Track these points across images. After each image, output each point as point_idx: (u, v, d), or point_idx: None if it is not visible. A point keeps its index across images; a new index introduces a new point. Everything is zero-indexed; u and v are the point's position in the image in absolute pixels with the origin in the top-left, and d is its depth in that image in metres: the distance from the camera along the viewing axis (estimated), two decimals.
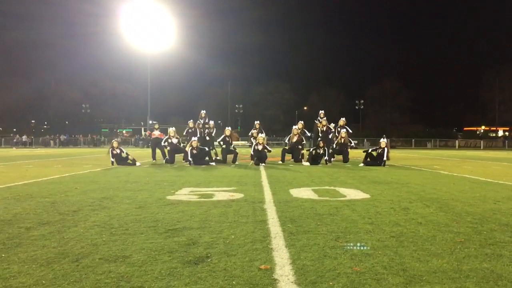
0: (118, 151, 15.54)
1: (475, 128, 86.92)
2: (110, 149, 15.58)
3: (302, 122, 18.46)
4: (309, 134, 18.87)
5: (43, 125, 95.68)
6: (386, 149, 15.71)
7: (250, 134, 17.58)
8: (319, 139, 17.01)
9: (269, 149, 16.39)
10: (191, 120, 17.84)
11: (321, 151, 16.24)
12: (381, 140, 16.06)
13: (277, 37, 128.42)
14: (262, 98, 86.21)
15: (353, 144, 17.55)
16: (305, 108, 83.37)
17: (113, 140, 16.71)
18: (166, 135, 16.89)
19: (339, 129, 17.87)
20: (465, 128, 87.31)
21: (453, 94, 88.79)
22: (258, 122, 18.30)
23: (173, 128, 17.02)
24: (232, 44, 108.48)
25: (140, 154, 28.69)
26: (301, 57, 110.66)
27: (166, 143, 16.67)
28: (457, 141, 66.28)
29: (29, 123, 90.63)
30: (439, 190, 7.97)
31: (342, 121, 18.20)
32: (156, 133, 17.97)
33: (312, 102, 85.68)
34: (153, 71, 59.25)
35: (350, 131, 18.29)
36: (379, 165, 15.24)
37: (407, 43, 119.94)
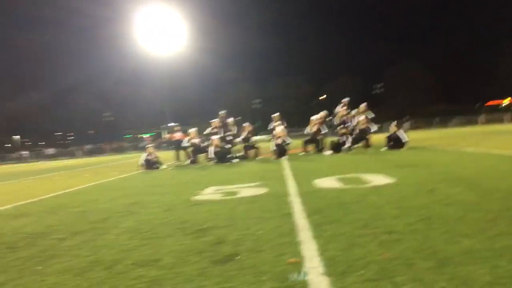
0: (152, 156, 15.68)
1: (498, 102, 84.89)
2: (146, 155, 15.70)
3: (326, 111, 18.38)
4: (331, 123, 18.72)
5: (68, 136, 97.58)
6: (400, 131, 15.63)
7: (271, 127, 17.51)
8: (340, 126, 16.91)
9: (288, 142, 16.36)
10: (215, 120, 17.81)
11: (343, 139, 16.16)
12: (391, 125, 16.11)
13: (290, 32, 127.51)
14: (279, 91, 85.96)
15: (372, 129, 17.30)
16: (322, 97, 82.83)
17: (149, 146, 16.87)
18: (188, 136, 17.03)
19: (357, 116, 17.67)
20: (488, 103, 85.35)
21: (474, 69, 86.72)
22: (277, 114, 18.23)
23: (195, 129, 17.13)
24: (246, 42, 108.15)
25: (164, 156, 29.03)
26: (316, 45, 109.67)
27: (188, 144, 16.80)
28: (480, 117, 64.91)
29: (54, 135, 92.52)
30: (465, 168, 7.83)
31: (362, 107, 18.02)
32: (178, 135, 18.13)
33: (329, 91, 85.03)
34: (170, 75, 59.76)
35: (373, 115, 18.09)
36: (401, 147, 15.11)
37: (423, 20, 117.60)
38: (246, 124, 17.68)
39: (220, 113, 18.08)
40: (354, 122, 17.23)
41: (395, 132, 15.68)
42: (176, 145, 18.34)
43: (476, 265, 2.81)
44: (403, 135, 15.62)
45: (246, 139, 17.05)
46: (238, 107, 77.79)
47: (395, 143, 15.53)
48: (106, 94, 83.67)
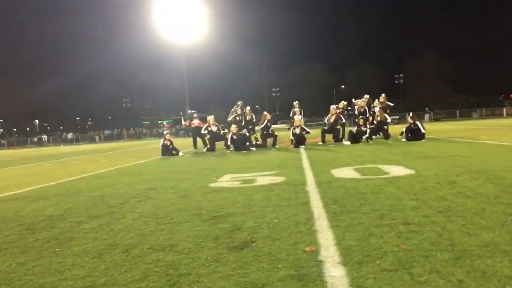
0: (169, 142, 15.86)
1: None
2: (163, 140, 15.93)
3: (345, 102, 18.24)
4: (351, 113, 18.59)
5: (87, 122, 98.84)
6: (417, 123, 15.45)
7: (291, 114, 17.47)
8: (360, 117, 16.76)
9: (308, 130, 16.28)
10: (237, 108, 17.72)
11: (363, 129, 16.04)
12: (407, 117, 16.08)
13: (310, 17, 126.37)
14: (298, 79, 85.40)
15: (389, 120, 17.11)
16: (342, 86, 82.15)
17: (166, 132, 17.05)
18: (206, 124, 17.06)
19: (374, 108, 17.51)
20: None
21: (497, 60, 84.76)
22: (296, 102, 18.14)
23: (212, 116, 17.15)
24: (265, 29, 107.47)
25: (182, 143, 29.19)
26: (336, 35, 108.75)
27: (206, 131, 16.84)
28: (504, 109, 63.56)
29: (74, 120, 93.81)
30: (487, 161, 7.69)
31: (382, 97, 17.83)
32: (196, 122, 18.15)
33: (349, 80, 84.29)
34: (189, 61, 59.83)
35: (391, 105, 17.92)
36: (420, 139, 14.92)
37: (444, 11, 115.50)
38: (265, 113, 17.66)
39: (238, 103, 18.00)
40: (376, 112, 17.04)
41: (411, 124, 15.49)
42: (194, 132, 18.39)
43: (495, 258, 2.75)
44: (421, 126, 15.42)
45: (265, 128, 17.03)
46: (257, 94, 77.69)
47: (412, 134, 15.34)
48: (125, 81, 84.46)
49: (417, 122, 15.54)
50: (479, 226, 3.52)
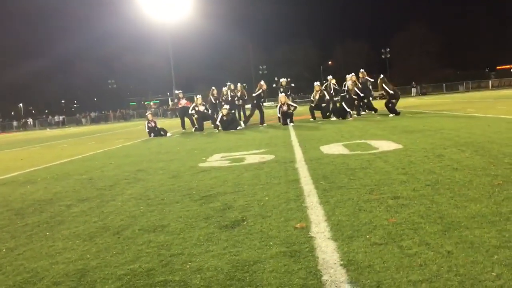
0: (153, 123, 15.80)
1: (508, 66, 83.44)
2: (146, 123, 15.86)
3: (331, 77, 18.16)
4: (337, 89, 18.48)
5: (72, 104, 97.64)
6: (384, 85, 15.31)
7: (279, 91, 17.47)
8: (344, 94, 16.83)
9: (294, 105, 16.33)
10: (225, 88, 17.66)
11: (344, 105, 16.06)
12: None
13: None
14: (285, 57, 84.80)
15: (363, 95, 17.00)
16: (330, 62, 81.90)
17: (148, 114, 16.95)
18: (193, 103, 16.96)
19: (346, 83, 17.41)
20: (498, 67, 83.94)
21: (483, 33, 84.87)
22: (284, 79, 18.02)
23: (199, 96, 17.04)
24: (251, 7, 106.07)
25: (169, 124, 29.02)
26: (322, 10, 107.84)
27: (193, 111, 16.76)
28: (490, 81, 64.05)
29: (59, 103, 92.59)
30: (474, 134, 7.77)
31: (361, 73, 17.66)
32: (183, 102, 17.98)
33: (336, 56, 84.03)
34: (175, 41, 59.08)
35: (371, 80, 17.86)
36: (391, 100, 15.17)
37: None
38: (262, 82, 17.43)
39: (227, 84, 17.90)
40: (348, 86, 16.91)
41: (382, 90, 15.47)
42: (181, 113, 18.26)
43: (483, 229, 2.80)
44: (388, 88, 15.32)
45: (257, 97, 16.91)
46: (244, 73, 77.13)
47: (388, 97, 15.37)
48: (110, 61, 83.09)
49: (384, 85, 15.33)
50: (467, 198, 3.57)
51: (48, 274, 2.68)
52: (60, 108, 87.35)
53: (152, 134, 15.54)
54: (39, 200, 5.13)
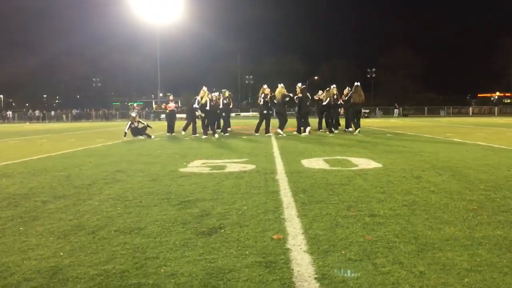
0: (136, 123, 15.59)
1: (489, 95, 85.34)
2: (130, 123, 15.58)
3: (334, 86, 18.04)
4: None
5: (54, 100, 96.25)
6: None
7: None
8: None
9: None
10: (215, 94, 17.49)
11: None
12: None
13: (287, 7, 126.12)
14: (272, 69, 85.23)
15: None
16: (315, 77, 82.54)
17: (134, 115, 16.65)
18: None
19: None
20: (479, 95, 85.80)
21: (467, 60, 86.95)
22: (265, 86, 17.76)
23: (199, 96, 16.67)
24: (241, 16, 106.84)
25: (153, 127, 28.82)
26: (311, 27, 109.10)
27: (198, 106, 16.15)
28: (470, 108, 65.36)
29: (41, 98, 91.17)
30: (452, 158, 7.91)
31: (334, 88, 17.73)
32: (172, 105, 17.59)
33: (322, 72, 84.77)
34: (163, 44, 59.02)
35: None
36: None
37: (418, 9, 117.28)
38: (265, 86, 16.58)
39: (223, 90, 17.87)
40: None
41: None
42: (169, 116, 17.85)
43: (456, 252, 2.85)
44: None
45: (265, 105, 16.30)
46: (231, 81, 77.18)
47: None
48: (96, 60, 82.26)
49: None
50: (442, 220, 3.63)
51: (20, 270, 2.63)
52: (41, 103, 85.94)
53: (128, 134, 15.25)
54: (14, 194, 5.05)
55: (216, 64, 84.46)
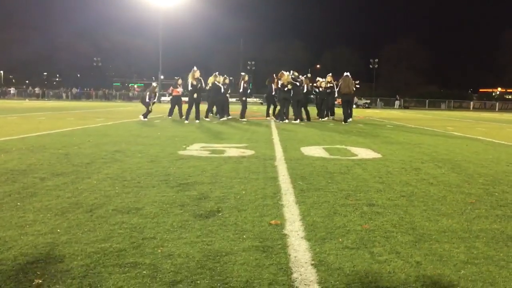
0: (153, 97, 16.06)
1: (490, 90, 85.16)
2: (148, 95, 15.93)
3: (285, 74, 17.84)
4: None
5: (55, 78, 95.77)
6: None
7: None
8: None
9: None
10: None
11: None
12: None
13: None
14: (275, 55, 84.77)
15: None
16: (317, 66, 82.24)
17: (155, 85, 16.78)
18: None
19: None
20: (480, 90, 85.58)
21: (470, 55, 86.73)
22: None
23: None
24: (245, 1, 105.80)
25: (152, 109, 28.73)
26: (316, 14, 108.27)
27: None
28: (472, 103, 65.27)
29: (41, 75, 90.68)
30: (452, 152, 7.91)
31: (329, 76, 17.68)
32: (180, 90, 17.09)
33: (325, 61, 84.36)
34: (165, 26, 58.56)
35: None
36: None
37: (424, 2, 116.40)
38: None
39: (242, 74, 17.83)
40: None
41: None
42: (175, 100, 17.45)
43: (453, 244, 2.86)
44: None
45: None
46: (233, 66, 76.75)
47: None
48: (98, 40, 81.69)
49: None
50: (440, 212, 3.63)
51: (16, 245, 2.63)
52: (41, 81, 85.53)
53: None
54: (12, 170, 5.03)
55: (219, 48, 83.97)
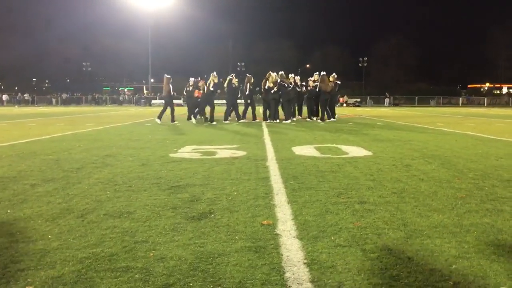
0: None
1: (479, 85, 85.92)
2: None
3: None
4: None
5: (44, 83, 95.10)
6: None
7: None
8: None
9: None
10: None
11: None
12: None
13: None
14: (264, 55, 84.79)
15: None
16: (307, 66, 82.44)
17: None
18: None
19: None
20: (469, 85, 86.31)
21: (458, 51, 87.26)
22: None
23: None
24: (234, 2, 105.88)
25: (143, 113, 28.68)
26: (304, 13, 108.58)
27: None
28: (460, 99, 65.75)
29: (30, 81, 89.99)
30: (442, 147, 7.97)
31: (316, 75, 17.70)
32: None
33: (315, 60, 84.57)
34: (155, 29, 58.45)
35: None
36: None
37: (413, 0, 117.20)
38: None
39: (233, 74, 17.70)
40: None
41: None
42: (193, 102, 17.22)
43: (444, 239, 2.88)
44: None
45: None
46: (222, 67, 76.64)
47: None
48: (87, 44, 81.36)
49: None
50: (431, 208, 3.66)
51: (7, 252, 2.61)
52: (31, 86, 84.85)
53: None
54: (2, 177, 4.99)
55: (208, 50, 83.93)
